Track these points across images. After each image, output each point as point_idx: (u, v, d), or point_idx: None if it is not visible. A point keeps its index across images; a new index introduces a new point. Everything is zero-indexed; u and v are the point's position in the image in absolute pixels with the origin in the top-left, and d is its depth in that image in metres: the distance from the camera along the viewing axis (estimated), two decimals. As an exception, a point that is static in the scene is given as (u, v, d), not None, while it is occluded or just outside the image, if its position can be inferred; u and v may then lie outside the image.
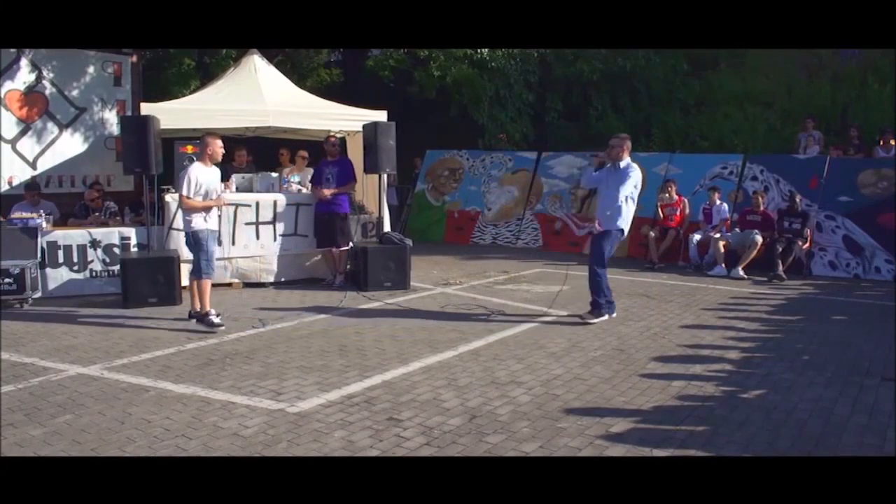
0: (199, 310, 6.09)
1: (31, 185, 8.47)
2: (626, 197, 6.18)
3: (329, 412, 4.02)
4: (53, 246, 7.39)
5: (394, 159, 8.22)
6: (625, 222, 6.26)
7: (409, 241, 8.24)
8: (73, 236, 7.53)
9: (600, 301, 6.31)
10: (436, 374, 4.73)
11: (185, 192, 6.00)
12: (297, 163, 9.28)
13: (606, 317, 6.31)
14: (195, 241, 6.10)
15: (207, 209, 6.10)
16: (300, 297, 7.45)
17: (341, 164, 8.26)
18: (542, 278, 8.81)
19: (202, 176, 6.07)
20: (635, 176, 6.22)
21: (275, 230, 8.04)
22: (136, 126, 7.57)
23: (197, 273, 6.11)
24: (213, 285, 7.75)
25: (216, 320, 5.98)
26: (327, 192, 7.97)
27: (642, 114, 14.03)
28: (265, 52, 9.84)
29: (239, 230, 7.88)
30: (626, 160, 6.26)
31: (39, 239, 7.26)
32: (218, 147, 6.20)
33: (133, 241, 7.66)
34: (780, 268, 8.87)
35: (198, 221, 6.08)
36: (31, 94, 9.50)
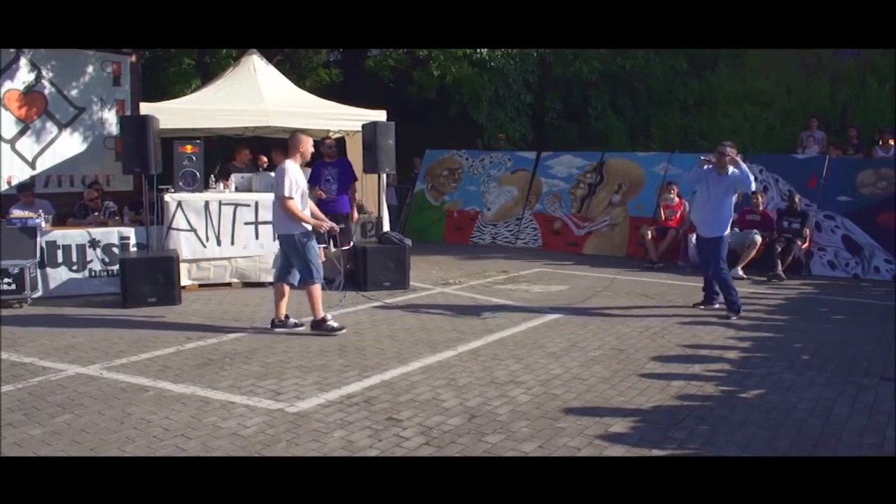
0: (317, 317, 5.83)
1: (26, 186, 8.40)
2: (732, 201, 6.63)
3: (328, 412, 4.02)
4: (52, 246, 7.38)
5: (393, 159, 8.22)
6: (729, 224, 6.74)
7: (408, 241, 8.24)
8: (73, 236, 7.52)
9: (733, 300, 6.57)
10: (435, 374, 4.73)
11: (287, 193, 5.57)
12: None
13: (735, 315, 6.52)
14: (299, 245, 5.71)
15: (306, 223, 5.71)
16: (299, 297, 7.43)
17: (341, 164, 8.27)
18: (541, 278, 8.81)
19: (297, 174, 5.67)
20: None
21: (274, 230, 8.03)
22: (135, 126, 7.58)
23: (307, 278, 5.77)
24: (212, 285, 7.84)
25: (335, 324, 5.80)
26: (355, 216, 8.04)
27: (642, 114, 14.03)
28: (264, 51, 9.84)
29: (238, 230, 7.87)
30: (731, 169, 6.59)
31: (39, 239, 7.26)
32: (310, 146, 5.89)
33: (132, 241, 7.66)
34: (780, 267, 8.87)
35: (298, 224, 5.71)
36: (31, 94, 9.49)
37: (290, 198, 5.60)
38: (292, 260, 5.83)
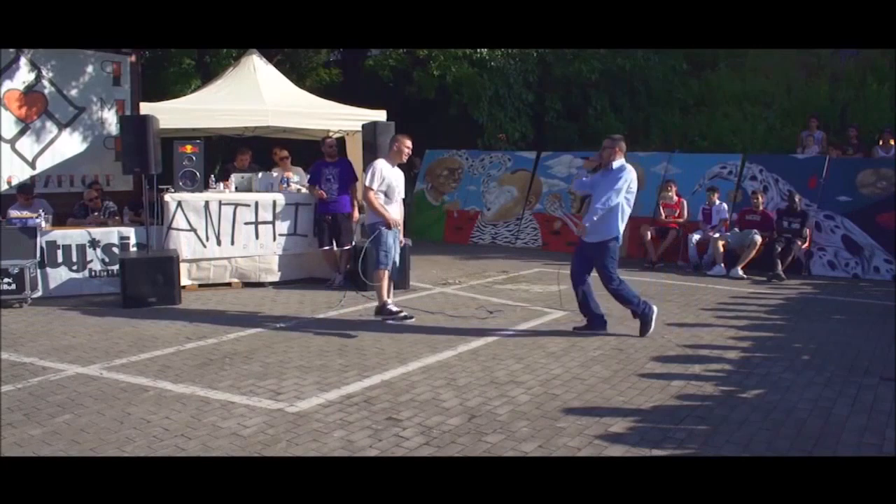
0: (381, 302, 6.16)
1: (24, 188, 8.34)
2: (620, 202, 5.67)
3: (328, 412, 4.02)
4: (52, 245, 7.37)
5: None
6: (619, 228, 5.76)
7: (408, 241, 8.24)
8: (73, 236, 7.52)
9: (638, 308, 5.82)
10: (435, 374, 4.73)
11: (368, 183, 5.97)
12: (280, 164, 8.93)
13: (653, 322, 5.81)
14: (371, 233, 6.12)
15: (383, 217, 6.03)
16: (299, 297, 7.45)
17: (342, 164, 8.26)
18: (541, 278, 8.80)
19: (386, 171, 6.06)
20: (628, 177, 5.69)
21: (274, 230, 8.04)
22: (135, 126, 7.58)
23: (376, 265, 6.11)
24: (212, 285, 7.85)
25: (394, 309, 6.11)
26: (356, 216, 8.10)
27: (641, 113, 14.03)
28: (264, 51, 9.84)
29: (238, 230, 7.87)
30: (619, 161, 5.76)
31: (39, 238, 7.26)
32: (406, 145, 6.18)
33: (132, 241, 7.66)
34: (780, 267, 8.87)
35: (379, 216, 6.05)
36: (31, 94, 9.49)
37: (371, 188, 5.97)
38: (369, 247, 6.24)
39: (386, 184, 6.06)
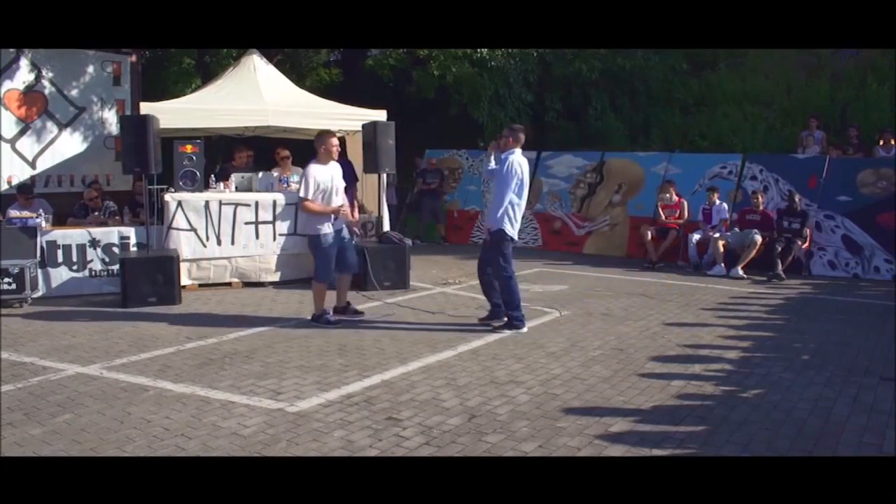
0: (316, 312, 6.20)
1: (24, 188, 8.33)
2: (507, 197, 5.76)
3: (328, 412, 4.02)
4: (53, 245, 7.38)
5: (393, 159, 8.22)
6: (510, 223, 5.87)
7: (408, 241, 8.25)
8: (73, 236, 7.52)
9: (513, 314, 5.91)
10: (435, 374, 4.73)
11: (303, 194, 5.93)
12: (281, 164, 8.88)
13: (525, 329, 5.89)
14: (312, 245, 6.13)
15: (326, 214, 6.01)
16: (299, 297, 7.45)
17: (342, 164, 8.25)
18: (541, 278, 8.80)
19: (320, 175, 5.98)
20: (512, 169, 5.72)
21: (274, 230, 8.04)
22: (135, 125, 7.58)
23: (315, 275, 6.18)
24: (212, 285, 7.85)
25: (332, 318, 6.17)
26: (356, 216, 8.06)
27: (641, 113, 14.03)
28: (264, 51, 9.84)
29: (238, 230, 7.87)
30: (507, 152, 5.81)
31: (39, 238, 7.26)
32: (333, 144, 6.12)
33: (132, 241, 7.66)
34: (780, 267, 8.87)
35: (318, 225, 6.01)
36: (31, 94, 9.50)
37: (305, 199, 5.93)
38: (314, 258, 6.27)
39: (321, 189, 5.98)
